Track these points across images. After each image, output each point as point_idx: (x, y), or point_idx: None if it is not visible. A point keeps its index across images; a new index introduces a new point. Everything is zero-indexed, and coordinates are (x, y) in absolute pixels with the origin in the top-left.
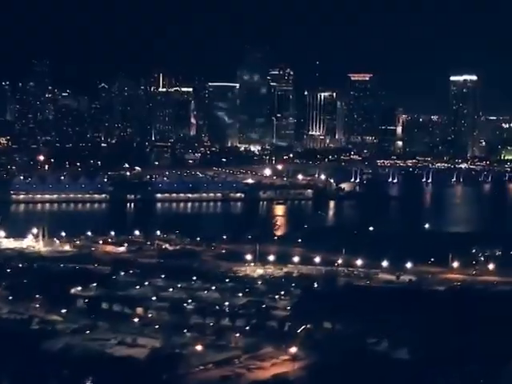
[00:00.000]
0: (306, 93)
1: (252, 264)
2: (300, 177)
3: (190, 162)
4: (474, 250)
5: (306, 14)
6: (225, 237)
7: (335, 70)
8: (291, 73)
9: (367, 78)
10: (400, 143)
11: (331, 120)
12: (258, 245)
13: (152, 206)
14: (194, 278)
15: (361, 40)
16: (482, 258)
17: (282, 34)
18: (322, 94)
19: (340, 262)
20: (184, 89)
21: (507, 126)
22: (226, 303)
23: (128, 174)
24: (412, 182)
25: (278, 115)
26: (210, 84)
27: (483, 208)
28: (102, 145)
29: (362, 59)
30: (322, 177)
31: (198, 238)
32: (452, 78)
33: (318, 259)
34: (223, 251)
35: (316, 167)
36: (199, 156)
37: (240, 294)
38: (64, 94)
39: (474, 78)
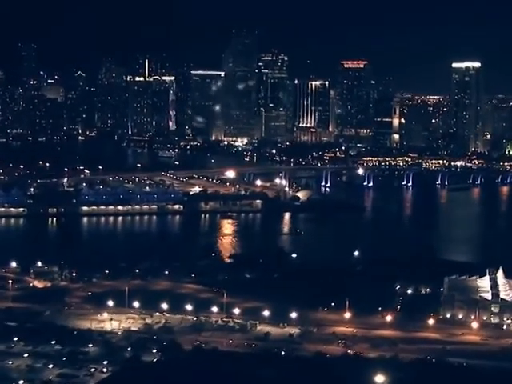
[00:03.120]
0: (296, 81)
1: (106, 314)
2: (258, 182)
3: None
4: (397, 287)
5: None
6: (107, 271)
7: (327, 56)
8: (285, 59)
9: (362, 66)
10: (397, 137)
11: (323, 111)
12: (127, 286)
13: (76, 221)
14: (17, 338)
15: (356, 26)
16: (401, 299)
17: (271, 20)
18: (314, 83)
19: (216, 309)
20: (165, 77)
21: None
22: (24, 379)
23: (65, 180)
24: (391, 185)
25: (271, 105)
26: (193, 72)
27: (461, 224)
28: (80, 138)
29: (356, 46)
30: (284, 182)
31: (74, 274)
32: (454, 65)
33: (191, 306)
34: (97, 291)
35: (282, 169)
36: (175, 153)
37: (51, 366)
38: (50, 81)
39: (477, 64)
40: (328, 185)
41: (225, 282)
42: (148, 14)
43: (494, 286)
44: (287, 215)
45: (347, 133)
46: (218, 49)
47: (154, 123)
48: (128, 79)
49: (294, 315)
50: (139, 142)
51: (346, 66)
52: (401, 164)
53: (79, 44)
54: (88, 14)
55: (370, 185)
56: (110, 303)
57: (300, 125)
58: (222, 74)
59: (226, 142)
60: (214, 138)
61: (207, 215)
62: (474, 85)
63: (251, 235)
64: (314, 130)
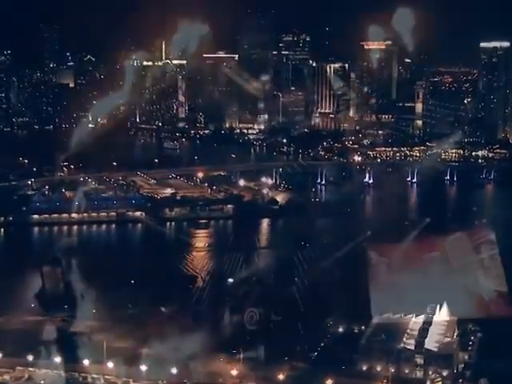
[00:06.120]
0: (314, 64)
1: None
2: (242, 182)
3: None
4: (329, 323)
5: None
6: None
7: (347, 37)
8: (307, 39)
9: (383, 47)
10: (420, 123)
11: (343, 96)
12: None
13: (25, 231)
14: None
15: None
16: (325, 341)
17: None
18: (332, 66)
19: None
20: (175, 61)
21: None
22: None
23: (29, 183)
24: (394, 182)
25: (292, 88)
26: (205, 56)
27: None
28: (90, 126)
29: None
30: (270, 181)
31: None
32: (482, 45)
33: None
34: None
35: (273, 167)
36: (180, 144)
37: None
38: (70, 64)
39: (507, 44)
40: (323, 183)
41: (131, 318)
42: None
43: (424, 330)
44: (265, 221)
45: (368, 119)
46: (233, 31)
47: (162, 110)
48: (134, 64)
49: (181, 368)
50: (147, 130)
51: (366, 47)
52: (417, 155)
53: (99, 27)
54: None
55: (370, 182)
56: None
57: (319, 110)
58: (236, 56)
59: (238, 130)
60: (227, 125)
61: (172, 223)
62: (503, 66)
63: (214, 249)
64: (333, 115)
